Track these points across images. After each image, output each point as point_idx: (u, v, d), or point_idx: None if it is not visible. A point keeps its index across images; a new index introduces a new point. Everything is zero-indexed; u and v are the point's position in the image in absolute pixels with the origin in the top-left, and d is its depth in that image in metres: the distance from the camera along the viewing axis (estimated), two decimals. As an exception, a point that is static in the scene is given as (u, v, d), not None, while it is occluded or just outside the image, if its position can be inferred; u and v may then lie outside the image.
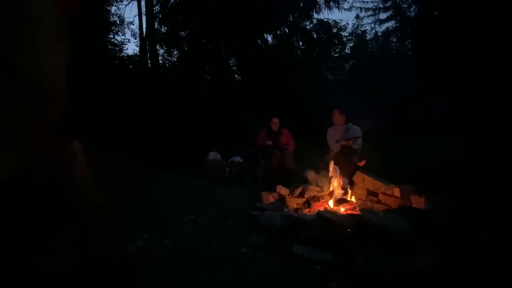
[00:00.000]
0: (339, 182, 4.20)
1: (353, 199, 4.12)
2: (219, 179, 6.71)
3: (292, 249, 2.85)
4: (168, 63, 12.69)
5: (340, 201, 3.93)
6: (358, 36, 16.30)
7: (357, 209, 3.78)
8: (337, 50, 16.48)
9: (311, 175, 4.99)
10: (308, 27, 14.53)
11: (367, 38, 16.01)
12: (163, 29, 12.19)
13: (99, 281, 2.12)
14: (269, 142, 6.23)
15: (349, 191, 4.22)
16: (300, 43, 14.63)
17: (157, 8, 12.17)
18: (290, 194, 4.66)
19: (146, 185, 5.48)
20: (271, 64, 13.60)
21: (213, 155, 7.15)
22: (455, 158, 6.51)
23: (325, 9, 13.49)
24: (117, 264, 2.35)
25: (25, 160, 2.57)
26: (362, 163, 4.94)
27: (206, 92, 10.00)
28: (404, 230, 2.58)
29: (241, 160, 7.38)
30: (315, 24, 14.16)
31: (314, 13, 13.70)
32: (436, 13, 13.29)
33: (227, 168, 7.02)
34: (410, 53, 14.86)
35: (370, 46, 16.21)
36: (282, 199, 4.59)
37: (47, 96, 2.63)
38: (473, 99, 9.25)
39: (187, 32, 11.40)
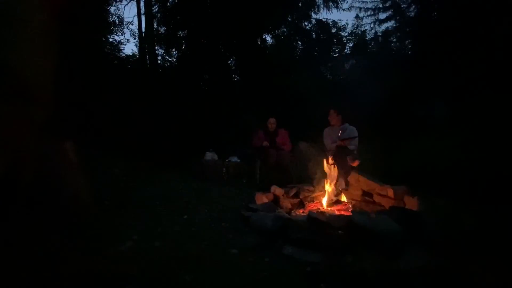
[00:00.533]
0: (333, 183, 4.18)
1: (346, 199, 4.10)
2: (216, 179, 6.67)
3: (282, 250, 2.83)
4: (167, 63, 12.66)
5: (334, 202, 3.91)
6: (358, 36, 16.26)
7: (350, 210, 3.76)
8: (336, 50, 16.44)
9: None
10: (307, 27, 14.51)
11: (367, 38, 15.95)
12: (162, 29, 12.18)
13: (81, 283, 2.10)
14: (265, 143, 6.19)
15: (343, 192, 4.19)
16: (299, 43, 14.61)
17: (156, 8, 12.15)
18: (284, 195, 4.64)
19: (141, 185, 5.46)
20: (270, 64, 13.60)
21: (210, 156, 7.12)
22: (455, 159, 6.50)
23: (323, 9, 13.46)
24: (103, 265, 2.33)
25: (11, 161, 2.55)
26: (355, 164, 4.91)
27: (205, 92, 9.97)
28: (392, 232, 2.56)
29: (238, 161, 7.35)
30: (314, 24, 14.10)
31: (313, 13, 13.67)
32: (435, 13, 13.27)
33: (224, 169, 6.98)
34: (410, 52, 14.84)
35: (370, 46, 16.16)
36: (276, 199, 4.57)
37: (33, 95, 2.62)
38: (472, 99, 9.22)
39: (185, 32, 11.37)
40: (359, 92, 13.11)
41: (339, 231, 2.76)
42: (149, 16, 11.96)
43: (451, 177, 6.15)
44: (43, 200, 2.97)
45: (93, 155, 6.04)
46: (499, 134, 6.59)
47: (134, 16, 14.29)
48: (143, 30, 12.27)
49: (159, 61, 12.54)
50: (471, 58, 9.91)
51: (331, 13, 15.05)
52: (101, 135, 6.79)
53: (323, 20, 14.07)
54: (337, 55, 16.78)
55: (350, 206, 3.96)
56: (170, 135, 7.78)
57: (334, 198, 4.03)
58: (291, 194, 4.66)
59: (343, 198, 4.13)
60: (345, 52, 16.76)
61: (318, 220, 2.83)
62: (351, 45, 16.67)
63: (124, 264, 2.41)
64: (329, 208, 3.84)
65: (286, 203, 4.49)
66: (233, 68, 12.27)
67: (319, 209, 3.83)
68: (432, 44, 12.12)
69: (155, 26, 12.20)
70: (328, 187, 4.20)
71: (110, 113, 7.23)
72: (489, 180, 5.33)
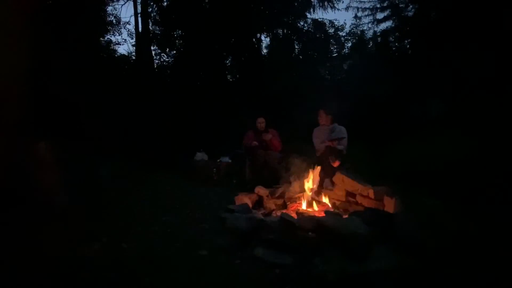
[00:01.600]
0: (314, 183, 4.14)
1: (327, 200, 4.05)
2: (206, 180, 6.64)
3: (254, 252, 2.79)
4: (164, 63, 12.62)
5: (314, 203, 3.87)
6: (356, 36, 16.20)
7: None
8: (334, 50, 16.40)
9: None
10: (305, 28, 14.46)
11: (365, 38, 15.86)
12: (157, 29, 12.16)
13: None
14: (254, 143, 6.15)
15: (323, 192, 4.15)
16: (296, 42, 14.54)
17: (150, 8, 12.14)
18: (269, 195, 4.58)
19: (127, 186, 5.45)
20: (264, 63, 13.55)
21: (200, 156, 7.09)
22: (450, 158, 6.44)
23: (319, 8, 13.43)
24: (63, 268, 2.30)
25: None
26: (336, 164, 4.85)
27: (198, 92, 9.91)
28: (359, 233, 2.50)
29: (230, 161, 7.30)
30: (311, 24, 14.06)
31: (310, 13, 13.65)
32: (434, 13, 13.19)
33: (214, 169, 6.94)
34: (408, 52, 14.76)
35: (370, 46, 16.06)
36: (260, 200, 4.52)
37: (2, 97, 2.60)
38: (469, 99, 9.15)
39: (181, 32, 11.36)
40: (356, 92, 13.10)
41: (309, 233, 2.71)
42: (145, 16, 11.95)
43: (446, 176, 6.11)
44: (15, 201, 2.94)
45: (81, 155, 6.02)
46: (493, 134, 6.54)
47: (131, 16, 14.18)
48: (140, 30, 12.27)
49: (155, 61, 12.51)
50: (468, 58, 9.82)
51: (327, 13, 14.92)
52: (91, 135, 6.76)
53: (319, 20, 13.99)
54: (335, 54, 16.74)
55: (330, 206, 3.91)
56: (161, 135, 7.76)
57: (313, 199, 3.98)
58: (277, 194, 4.60)
59: (324, 199, 4.08)
60: (344, 52, 16.72)
61: (289, 222, 2.78)
62: (349, 45, 16.64)
63: (85, 266, 2.38)
64: (308, 209, 3.79)
65: (270, 203, 4.44)
66: (228, 68, 12.23)
67: (298, 209, 3.78)
68: (430, 44, 12.06)
69: (151, 25, 12.19)
70: (309, 188, 4.16)
71: (101, 113, 7.19)
72: (482, 181, 5.29)
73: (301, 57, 14.87)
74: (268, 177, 5.77)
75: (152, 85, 9.43)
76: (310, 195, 4.02)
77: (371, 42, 15.96)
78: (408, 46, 14.81)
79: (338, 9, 13.73)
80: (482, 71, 9.24)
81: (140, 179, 5.96)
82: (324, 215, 3.20)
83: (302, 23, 14.00)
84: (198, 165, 6.91)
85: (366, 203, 3.88)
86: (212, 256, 2.81)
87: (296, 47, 14.50)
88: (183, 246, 3.01)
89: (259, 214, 3.70)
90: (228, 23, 10.67)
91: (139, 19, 12.29)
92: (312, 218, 2.84)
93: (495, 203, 4.21)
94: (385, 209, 3.51)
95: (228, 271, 2.57)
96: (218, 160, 7.25)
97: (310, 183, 4.17)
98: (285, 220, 2.81)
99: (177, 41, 11.55)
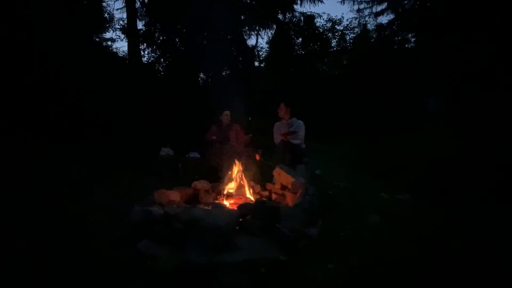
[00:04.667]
0: (236, 177, 4.16)
1: (250, 195, 4.06)
2: (170, 176, 6.60)
3: (137, 244, 2.80)
4: (151, 59, 12.63)
5: (230, 196, 3.90)
6: (357, 28, 16.04)
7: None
8: (332, 45, 16.28)
9: None
10: (301, 23, 14.36)
11: (362, 32, 15.61)
12: (143, 25, 12.24)
13: None
14: (213, 138, 6.15)
15: (247, 186, 4.15)
16: (300, 37, 14.46)
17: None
18: (210, 190, 4.58)
19: (81, 182, 5.42)
20: (257, 59, 13.54)
21: (165, 151, 7.09)
22: (437, 157, 6.38)
23: (307, 1, 13.32)
24: None
25: None
26: (257, 157, 4.86)
27: (179, 87, 9.89)
28: (218, 225, 2.49)
29: (198, 156, 7.27)
30: (300, 17, 13.95)
31: (301, 8, 13.58)
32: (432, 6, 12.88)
33: (179, 164, 6.92)
34: (406, 46, 14.45)
35: (372, 40, 15.79)
36: (196, 194, 4.52)
37: None
38: (467, 95, 8.91)
39: (159, 26, 11.36)
40: (352, 87, 12.95)
41: (182, 225, 2.69)
42: (132, 12, 11.97)
43: (426, 174, 6.04)
44: None
45: (40, 152, 6.04)
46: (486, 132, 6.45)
47: (120, 8, 14.04)
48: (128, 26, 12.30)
49: (145, 57, 12.57)
50: (468, 52, 9.54)
51: (316, 6, 14.67)
52: (54, 130, 6.72)
53: (307, 13, 13.90)
54: (335, 49, 16.60)
55: (250, 199, 3.93)
56: (129, 130, 7.73)
57: (229, 192, 4.01)
58: (219, 189, 4.61)
59: (248, 193, 4.10)
60: (344, 45, 16.56)
61: (168, 214, 2.78)
62: (348, 38, 16.48)
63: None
64: (224, 202, 3.80)
65: (208, 197, 4.42)
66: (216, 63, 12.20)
67: (214, 202, 3.81)
68: (428, 38, 11.82)
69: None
70: (228, 181, 4.20)
71: (67, 108, 7.13)
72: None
73: (295, 52, 14.82)
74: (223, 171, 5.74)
75: (134, 81, 9.42)
76: (228, 189, 4.05)
77: (369, 36, 15.70)
78: (409, 38, 14.51)
79: (322, 2, 13.47)
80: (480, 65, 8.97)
81: (97, 177, 5.86)
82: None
83: (295, 18, 13.90)
84: (163, 161, 6.91)
85: (288, 195, 3.87)
86: (98, 248, 2.82)
87: (296, 42, 14.43)
88: (79, 238, 3.02)
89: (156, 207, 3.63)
90: (212, 17, 10.61)
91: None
92: (187, 211, 2.83)
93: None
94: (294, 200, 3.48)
95: (103, 262, 2.58)
96: (187, 156, 7.23)
97: (232, 177, 4.19)
98: (166, 213, 2.80)
99: (156, 34, 11.52)
